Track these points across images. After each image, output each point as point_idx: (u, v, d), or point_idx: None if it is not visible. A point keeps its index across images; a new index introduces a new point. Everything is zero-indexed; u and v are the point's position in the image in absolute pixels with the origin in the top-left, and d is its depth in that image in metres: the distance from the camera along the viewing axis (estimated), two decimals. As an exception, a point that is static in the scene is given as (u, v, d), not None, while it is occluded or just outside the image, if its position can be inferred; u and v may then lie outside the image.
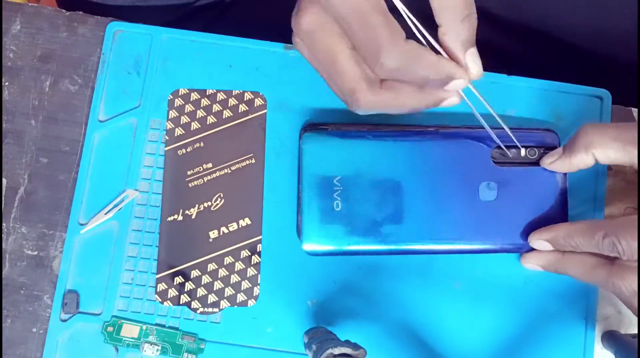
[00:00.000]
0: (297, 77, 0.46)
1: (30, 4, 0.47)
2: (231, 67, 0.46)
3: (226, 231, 0.44)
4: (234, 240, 0.44)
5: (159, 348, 0.43)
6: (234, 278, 0.44)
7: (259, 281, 0.44)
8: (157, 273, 0.44)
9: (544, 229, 0.42)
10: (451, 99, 0.37)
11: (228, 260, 0.44)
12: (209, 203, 0.44)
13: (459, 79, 0.35)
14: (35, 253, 0.44)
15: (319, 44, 0.36)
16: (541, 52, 0.55)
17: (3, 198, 0.45)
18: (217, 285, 0.44)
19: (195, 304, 0.44)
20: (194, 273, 0.44)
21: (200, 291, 0.44)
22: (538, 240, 0.42)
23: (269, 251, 0.44)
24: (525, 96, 0.46)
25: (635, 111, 0.47)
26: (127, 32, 0.47)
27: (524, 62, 0.53)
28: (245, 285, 0.44)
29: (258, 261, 0.44)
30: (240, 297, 0.44)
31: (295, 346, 0.43)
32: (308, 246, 0.43)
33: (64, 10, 0.47)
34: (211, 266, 0.44)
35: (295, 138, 0.45)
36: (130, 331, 0.43)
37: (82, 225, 0.44)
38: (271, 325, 0.43)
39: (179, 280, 0.44)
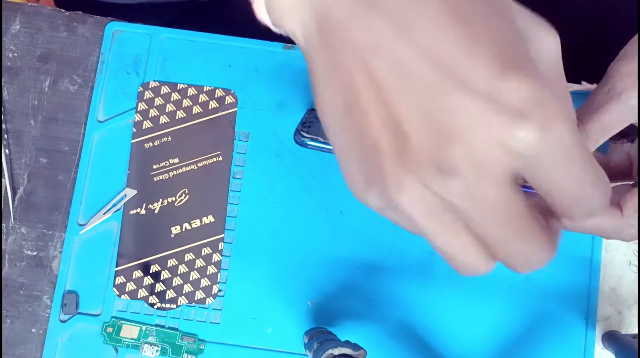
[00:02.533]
0: (297, 77, 0.46)
1: (29, 4, 0.47)
2: (231, 67, 0.46)
3: (189, 227, 0.44)
4: (196, 237, 0.44)
5: (159, 348, 0.43)
6: (194, 276, 0.44)
7: (218, 280, 0.44)
8: (116, 266, 0.44)
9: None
10: None
11: (189, 256, 0.44)
12: (173, 199, 0.44)
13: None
14: (35, 253, 0.44)
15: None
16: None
17: (2, 198, 0.45)
18: (176, 281, 0.44)
19: (152, 299, 0.43)
20: (154, 268, 0.44)
21: (159, 287, 0.43)
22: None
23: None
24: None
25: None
26: (126, 32, 0.47)
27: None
28: (204, 282, 0.44)
29: (219, 259, 0.44)
30: (199, 294, 0.43)
31: (295, 346, 0.43)
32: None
33: (63, 10, 0.47)
34: (171, 262, 0.44)
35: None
36: (129, 332, 0.43)
37: (81, 225, 0.44)
38: (271, 325, 0.43)
39: (137, 274, 0.44)
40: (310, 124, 0.42)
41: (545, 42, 0.26)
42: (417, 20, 0.24)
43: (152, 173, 0.45)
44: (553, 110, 0.23)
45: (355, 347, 0.37)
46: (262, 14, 0.29)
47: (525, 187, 0.27)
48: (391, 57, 0.24)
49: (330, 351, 0.36)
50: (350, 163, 0.26)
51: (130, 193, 0.44)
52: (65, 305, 0.43)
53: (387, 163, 0.25)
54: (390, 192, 0.25)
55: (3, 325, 0.43)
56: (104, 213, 0.44)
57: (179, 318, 0.43)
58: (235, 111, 0.45)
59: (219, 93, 0.46)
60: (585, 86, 0.45)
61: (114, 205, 0.44)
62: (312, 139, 0.41)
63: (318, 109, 0.26)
